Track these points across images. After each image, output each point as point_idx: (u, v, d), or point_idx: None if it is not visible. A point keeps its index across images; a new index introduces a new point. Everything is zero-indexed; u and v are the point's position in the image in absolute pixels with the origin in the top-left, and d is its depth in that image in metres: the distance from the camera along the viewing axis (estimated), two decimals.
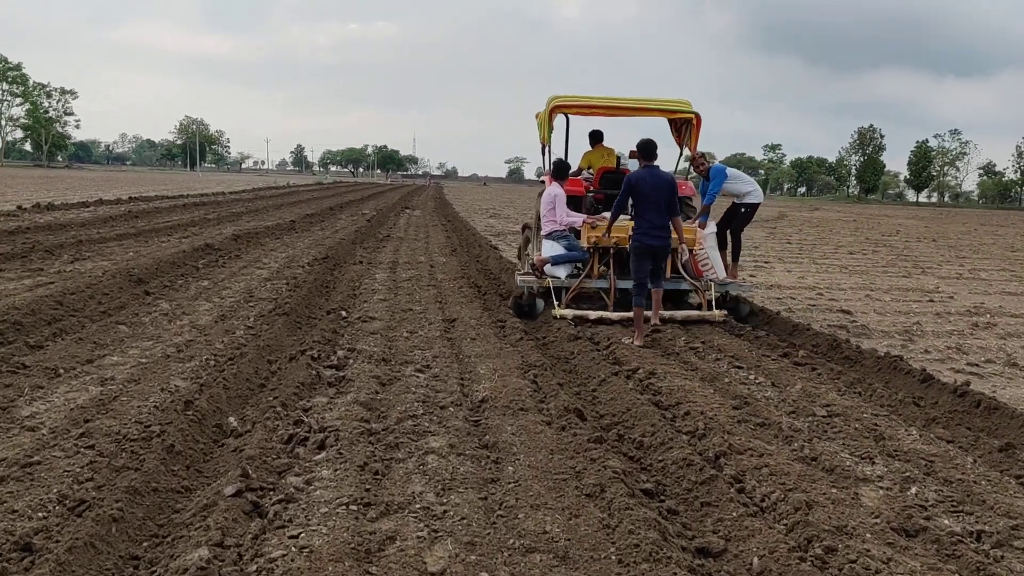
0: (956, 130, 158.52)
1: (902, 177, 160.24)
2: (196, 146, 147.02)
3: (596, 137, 11.40)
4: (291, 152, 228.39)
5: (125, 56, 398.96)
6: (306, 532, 3.42)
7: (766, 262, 16.24)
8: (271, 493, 3.90)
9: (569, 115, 11.08)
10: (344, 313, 8.71)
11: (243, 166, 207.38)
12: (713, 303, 9.11)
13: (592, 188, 10.41)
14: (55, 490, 3.84)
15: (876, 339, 8.44)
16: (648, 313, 8.17)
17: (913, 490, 4.22)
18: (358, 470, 4.14)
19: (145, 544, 3.47)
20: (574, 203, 9.81)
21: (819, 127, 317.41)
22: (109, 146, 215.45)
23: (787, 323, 8.67)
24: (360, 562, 3.22)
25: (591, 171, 10.98)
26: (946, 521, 3.89)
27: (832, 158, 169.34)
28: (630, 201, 8.21)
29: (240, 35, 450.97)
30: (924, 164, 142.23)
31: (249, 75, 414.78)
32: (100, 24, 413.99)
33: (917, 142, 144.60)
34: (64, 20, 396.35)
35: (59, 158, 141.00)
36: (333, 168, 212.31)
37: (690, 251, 9.34)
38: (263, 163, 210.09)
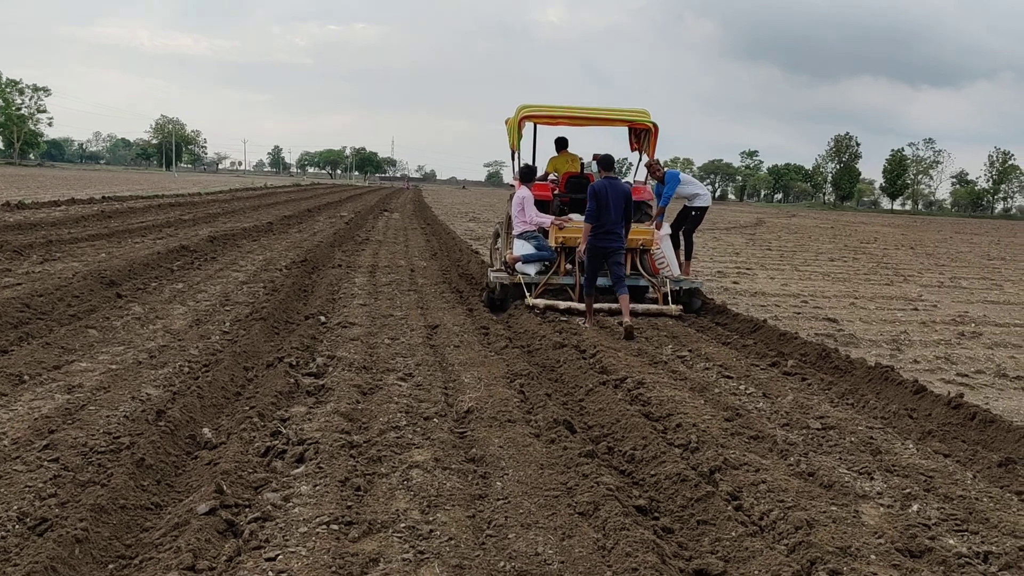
0: (930, 139, 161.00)
1: (877, 185, 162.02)
2: (172, 146, 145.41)
3: (561, 144, 11.87)
4: (268, 153, 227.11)
5: (100, 54, 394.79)
6: (284, 554, 3.22)
7: (748, 269, 16.18)
8: (247, 511, 3.69)
9: (536, 123, 11.77)
10: (323, 318, 8.48)
11: (220, 167, 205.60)
12: (669, 298, 9.87)
13: (558, 191, 10.93)
14: (15, 507, 3.60)
15: (864, 348, 8.35)
16: (624, 316, 8.72)
17: (915, 507, 4.09)
18: (339, 486, 3.94)
19: (111, 567, 3.25)
20: (542, 206, 10.40)
21: (796, 135, 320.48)
22: (83, 145, 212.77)
23: (774, 332, 8.56)
24: None
25: (557, 175, 11.45)
26: (951, 541, 3.76)
27: (809, 165, 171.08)
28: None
29: (218, 35, 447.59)
30: (899, 172, 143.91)
31: (226, 75, 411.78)
32: (75, 21, 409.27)
33: (892, 150, 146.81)
34: (38, 17, 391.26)
35: (31, 156, 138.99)
36: (311, 170, 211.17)
37: (647, 251, 10.20)
38: (240, 164, 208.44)
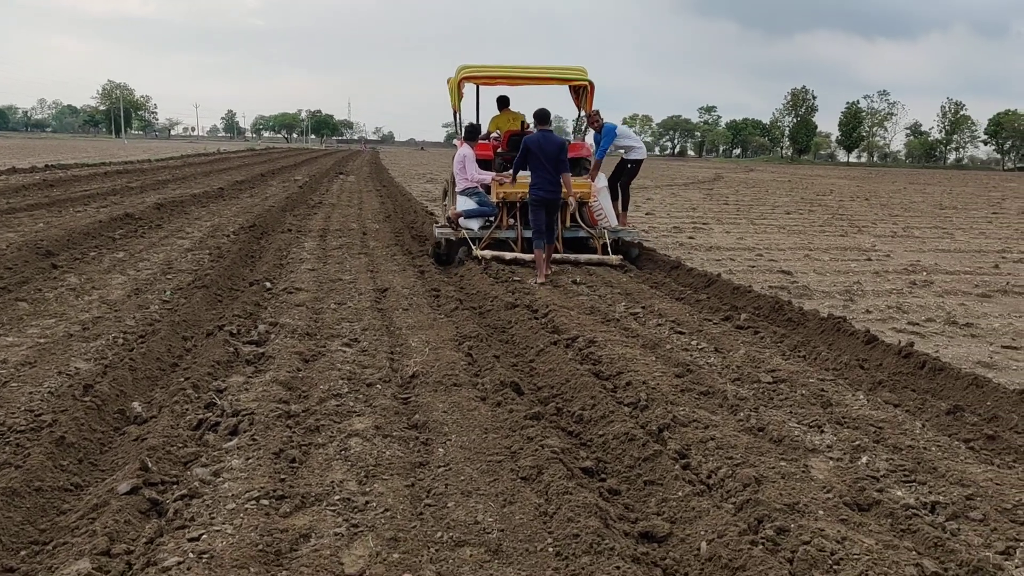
0: (884, 91, 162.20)
1: (833, 138, 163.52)
2: (120, 112, 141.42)
3: (503, 103, 12.34)
4: (222, 118, 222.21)
5: (43, 18, 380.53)
6: (208, 533, 3.05)
7: (704, 223, 16.15)
8: (173, 488, 3.51)
9: (477, 84, 12.22)
10: (268, 285, 8.24)
11: (172, 133, 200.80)
12: (608, 248, 10.24)
13: (500, 149, 11.30)
14: None
15: (818, 300, 8.33)
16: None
17: (864, 460, 4.04)
18: (273, 458, 3.77)
19: (23, 553, 3.06)
20: (484, 164, 10.85)
21: (754, 90, 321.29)
22: (27, 112, 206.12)
23: (728, 286, 8.50)
24: (268, 566, 2.88)
25: (499, 133, 11.86)
26: (899, 492, 3.71)
27: (767, 120, 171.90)
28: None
29: None
30: (854, 125, 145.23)
31: (175, 38, 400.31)
32: None
33: (847, 103, 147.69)
34: None
35: None
36: (267, 134, 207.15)
37: (585, 203, 10.42)
38: (193, 130, 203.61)
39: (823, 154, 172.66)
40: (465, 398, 4.68)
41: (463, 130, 10.96)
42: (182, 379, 5.00)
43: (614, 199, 11.52)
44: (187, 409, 4.42)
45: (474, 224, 10.49)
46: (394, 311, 7.19)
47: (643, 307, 7.69)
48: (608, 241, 10.30)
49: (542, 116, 9.27)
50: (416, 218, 15.07)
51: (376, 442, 4.03)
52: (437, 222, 11.77)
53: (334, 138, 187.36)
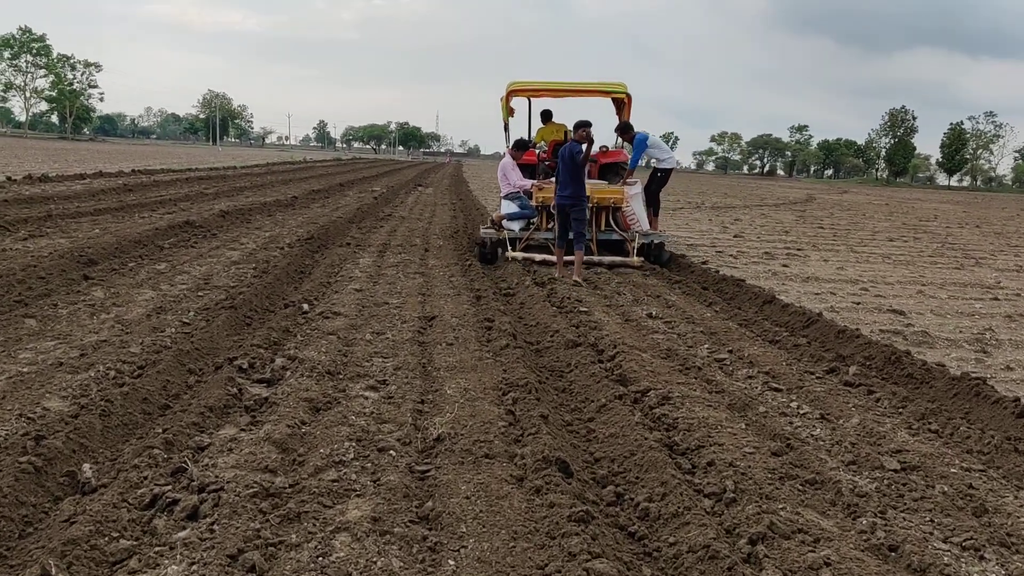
0: (991, 112, 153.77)
1: (933, 160, 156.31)
2: (217, 120, 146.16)
3: (546, 116, 13.53)
4: (314, 128, 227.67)
5: (151, 32, 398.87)
6: None
7: (798, 249, 14.70)
8: None
9: (526, 97, 13.37)
10: (306, 307, 7.39)
11: (266, 141, 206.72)
12: (635, 251, 11.08)
13: (545, 158, 12.28)
14: None
15: (941, 349, 6.98)
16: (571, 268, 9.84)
17: None
18: (224, 564, 2.81)
19: None
20: (529, 171, 11.98)
21: (847, 109, 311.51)
22: (134, 119, 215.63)
23: (831, 327, 7.21)
24: None
25: (544, 143, 12.84)
26: None
27: (860, 140, 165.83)
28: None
29: (265, 10, 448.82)
30: (958, 147, 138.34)
31: (274, 50, 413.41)
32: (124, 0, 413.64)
33: (951, 124, 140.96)
34: None
35: (85, 131, 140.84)
36: (356, 144, 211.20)
37: (618, 208, 11.33)
38: (286, 138, 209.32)
39: (921, 177, 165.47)
40: (496, 478, 3.64)
41: (511, 142, 11.97)
42: (160, 430, 4.12)
43: (651, 206, 12.30)
44: (146, 477, 3.52)
45: (515, 226, 11.40)
46: (436, 346, 6.22)
47: (730, 351, 6.52)
48: (638, 244, 11.15)
49: (576, 126, 9.73)
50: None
51: (368, 544, 3.03)
52: (484, 224, 12.39)
53: (421, 150, 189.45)
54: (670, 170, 12.69)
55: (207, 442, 4.04)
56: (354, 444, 4.04)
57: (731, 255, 13.17)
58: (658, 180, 12.57)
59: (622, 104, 12.28)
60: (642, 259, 10.93)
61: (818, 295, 9.52)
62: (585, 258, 10.09)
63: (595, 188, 11.00)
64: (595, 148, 12.01)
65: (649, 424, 4.62)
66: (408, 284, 8.94)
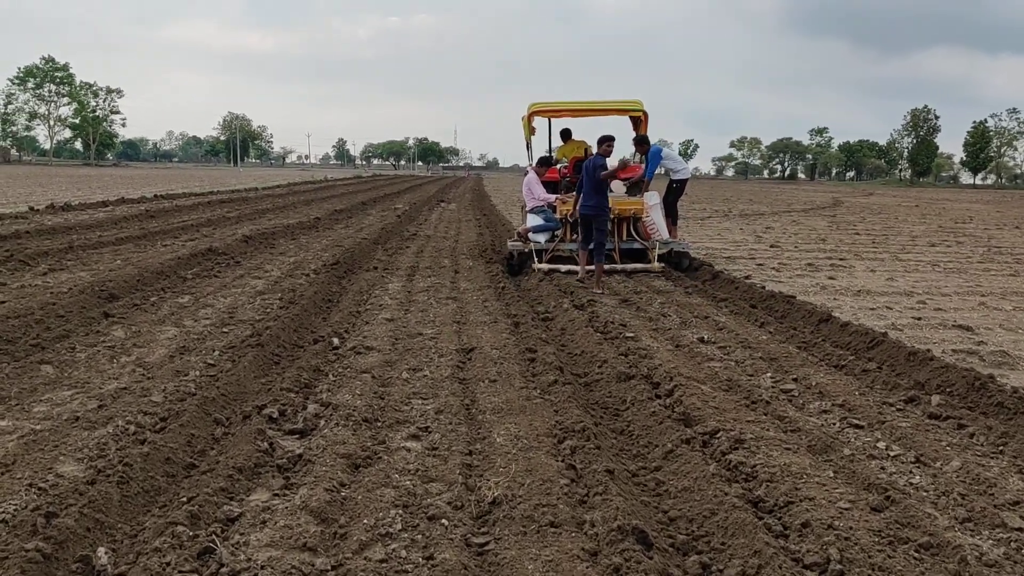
0: (1014, 109, 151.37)
1: (956, 159, 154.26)
2: (237, 142, 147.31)
3: (565, 135, 14.02)
4: (333, 146, 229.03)
5: (171, 55, 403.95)
6: None
7: (841, 259, 14.11)
8: None
9: (546, 117, 13.86)
10: (336, 341, 6.98)
11: (287, 161, 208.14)
12: (656, 258, 11.78)
13: (567, 174, 12.87)
14: None
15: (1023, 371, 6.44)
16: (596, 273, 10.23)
17: None
18: None
19: None
20: (552, 187, 12.53)
21: (867, 110, 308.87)
22: (156, 144, 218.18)
23: (900, 349, 6.67)
24: None
25: (566, 160, 13.40)
26: None
27: (882, 141, 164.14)
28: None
29: (282, 31, 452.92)
30: (982, 145, 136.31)
31: (292, 70, 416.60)
32: (146, 24, 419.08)
33: (974, 122, 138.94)
34: (111, 21, 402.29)
35: (108, 156, 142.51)
36: (375, 161, 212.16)
37: (639, 218, 12.02)
38: (307, 157, 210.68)
39: (944, 176, 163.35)
40: (567, 553, 3.18)
41: (534, 159, 12.72)
42: (184, 499, 3.70)
43: (670, 215, 12.84)
44: (168, 563, 3.09)
45: (541, 238, 11.93)
46: (478, 383, 5.77)
47: (795, 380, 6.02)
48: (658, 252, 11.84)
49: (600, 141, 10.26)
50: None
51: None
52: (511, 237, 12.92)
53: (440, 165, 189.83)
54: (685, 180, 13.32)
55: (237, 512, 3.61)
56: (400, 511, 3.60)
57: (773, 268, 12.63)
58: (674, 191, 13.19)
59: (639, 121, 12.85)
60: (663, 265, 11.67)
61: (874, 310, 8.98)
62: (608, 266, 10.81)
63: (616, 200, 11.64)
64: (615, 162, 12.97)
65: (725, 475, 4.14)
66: (441, 311, 8.52)
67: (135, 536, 3.43)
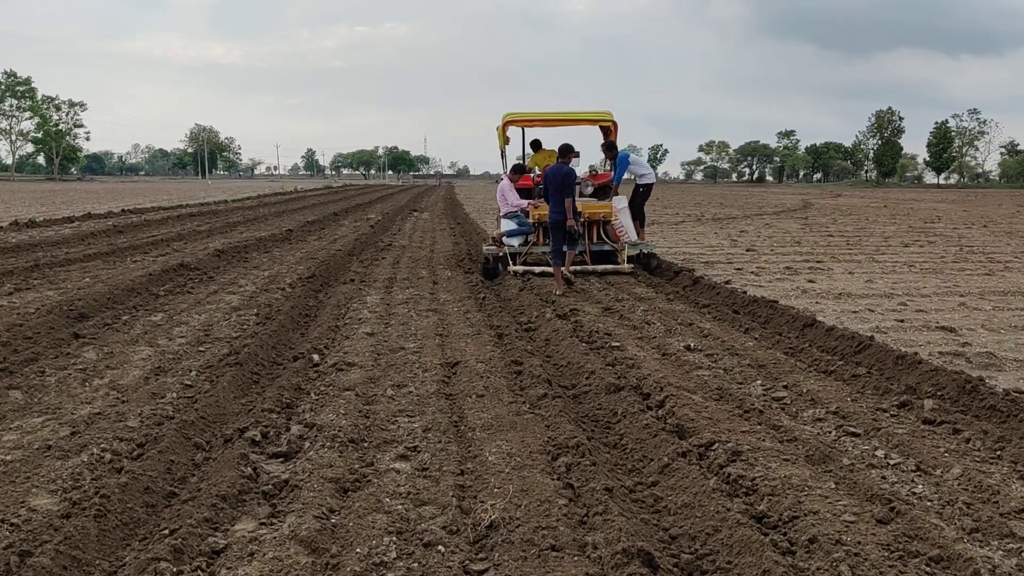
0: (974, 109, 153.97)
1: (920, 159, 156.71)
2: (205, 154, 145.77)
3: (536, 145, 14.65)
4: (302, 157, 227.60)
5: (136, 67, 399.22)
6: None
7: (818, 262, 14.15)
8: None
9: (520, 127, 14.39)
10: (316, 358, 6.81)
11: (255, 172, 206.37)
12: (626, 259, 12.24)
13: (539, 182, 12.96)
14: None
15: (1012, 372, 6.41)
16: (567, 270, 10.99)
17: None
18: None
19: None
20: (525, 194, 12.96)
21: (833, 112, 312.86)
22: (122, 157, 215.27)
23: (888, 353, 6.63)
24: None
25: (538, 169, 13.66)
26: None
27: (848, 142, 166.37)
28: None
29: (248, 42, 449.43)
30: (944, 145, 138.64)
31: (259, 81, 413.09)
32: (109, 37, 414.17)
33: (936, 123, 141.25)
34: (72, 35, 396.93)
35: (72, 171, 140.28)
36: (345, 171, 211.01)
37: (608, 222, 12.49)
38: (275, 168, 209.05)
39: (909, 176, 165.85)
40: None
41: (508, 167, 13.14)
42: (166, 531, 3.53)
43: (637, 219, 13.20)
44: None
45: (515, 242, 12.39)
46: (466, 398, 5.64)
47: (786, 387, 5.95)
48: (627, 254, 12.27)
49: (561, 150, 10.92)
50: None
51: None
52: (486, 241, 13.54)
53: (411, 174, 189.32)
54: (651, 185, 13.87)
55: (222, 544, 3.45)
56: (394, 538, 3.46)
57: (752, 272, 12.62)
58: (641, 194, 13.60)
59: (608, 130, 13.32)
60: (632, 266, 12.10)
61: (856, 313, 8.97)
62: (579, 268, 11.72)
63: (586, 204, 12.32)
64: (584, 171, 14.44)
65: (726, 489, 4.04)
66: (422, 324, 8.37)
67: (115, 574, 3.26)
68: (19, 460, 4.43)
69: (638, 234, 12.99)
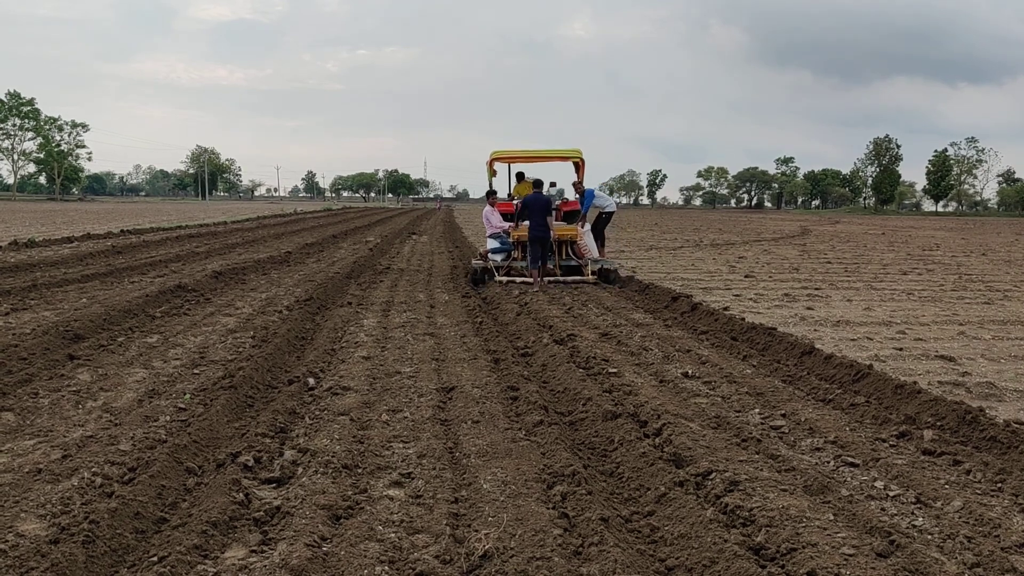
0: (973, 138, 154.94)
1: (919, 187, 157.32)
2: (206, 175, 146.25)
3: (519, 177, 17.43)
4: (303, 179, 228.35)
5: (139, 89, 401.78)
6: None
7: (816, 289, 14.14)
8: None
9: (505, 162, 17.16)
10: (311, 381, 6.76)
11: (256, 193, 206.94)
12: (589, 273, 14.57)
13: (518, 207, 15.01)
14: None
15: (1012, 402, 6.37)
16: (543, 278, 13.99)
17: None
18: None
19: None
20: (508, 218, 15.45)
21: (830, 139, 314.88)
22: (123, 178, 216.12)
23: (887, 382, 6.60)
24: None
25: (519, 196, 16.05)
26: None
27: (846, 170, 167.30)
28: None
29: (251, 65, 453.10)
30: (943, 173, 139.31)
31: (260, 103, 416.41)
32: (113, 59, 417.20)
33: (935, 151, 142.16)
34: (76, 57, 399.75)
35: (74, 191, 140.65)
36: (345, 193, 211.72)
37: (575, 242, 15.14)
38: (276, 190, 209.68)
39: (907, 203, 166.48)
40: None
41: (493, 196, 15.71)
42: (155, 558, 3.48)
43: (597, 239, 15.90)
44: None
45: (498, 257, 15.03)
46: (461, 424, 5.59)
47: (784, 415, 5.91)
48: (591, 268, 14.65)
49: (536, 183, 14.70)
50: (491, 288, 13.58)
51: None
52: (474, 257, 16.10)
53: (410, 197, 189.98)
54: (612, 212, 16.63)
55: (212, 572, 3.40)
56: (387, 568, 3.41)
57: (750, 299, 12.61)
58: (603, 220, 16.48)
59: (578, 165, 15.91)
60: (595, 277, 14.49)
61: (855, 341, 8.94)
62: (551, 279, 14.25)
63: (557, 227, 14.66)
64: (558, 199, 17.55)
65: (723, 520, 3.99)
66: (419, 348, 8.33)
67: None
68: (8, 484, 4.37)
69: (600, 252, 15.83)
